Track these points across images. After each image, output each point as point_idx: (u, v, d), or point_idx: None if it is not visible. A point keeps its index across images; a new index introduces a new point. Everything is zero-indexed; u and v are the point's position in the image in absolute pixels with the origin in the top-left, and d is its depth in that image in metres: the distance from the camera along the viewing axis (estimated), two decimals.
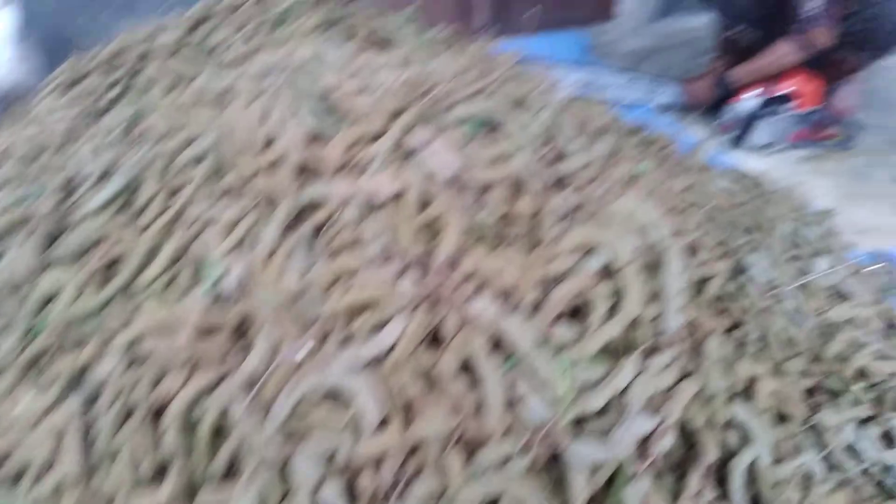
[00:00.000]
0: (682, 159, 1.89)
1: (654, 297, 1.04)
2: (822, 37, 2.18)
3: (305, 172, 1.02)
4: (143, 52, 1.49)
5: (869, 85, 2.85)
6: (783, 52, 2.25)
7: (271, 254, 0.98)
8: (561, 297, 0.95)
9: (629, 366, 0.92)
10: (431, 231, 0.97)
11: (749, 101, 2.38)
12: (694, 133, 2.50)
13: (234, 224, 1.01)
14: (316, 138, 1.04)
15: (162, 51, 1.47)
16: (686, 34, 3.14)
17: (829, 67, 2.37)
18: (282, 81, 1.12)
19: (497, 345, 0.92)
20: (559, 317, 0.95)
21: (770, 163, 2.42)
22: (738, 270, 1.36)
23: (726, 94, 2.42)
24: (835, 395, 1.26)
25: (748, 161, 2.38)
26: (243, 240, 1.00)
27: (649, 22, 3.23)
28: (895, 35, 2.25)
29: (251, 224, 1.00)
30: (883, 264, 1.93)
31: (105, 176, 1.18)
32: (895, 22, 2.22)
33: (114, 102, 1.40)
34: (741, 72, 2.35)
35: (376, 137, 1.02)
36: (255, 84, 1.15)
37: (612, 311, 0.98)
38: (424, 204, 0.97)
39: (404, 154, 1.02)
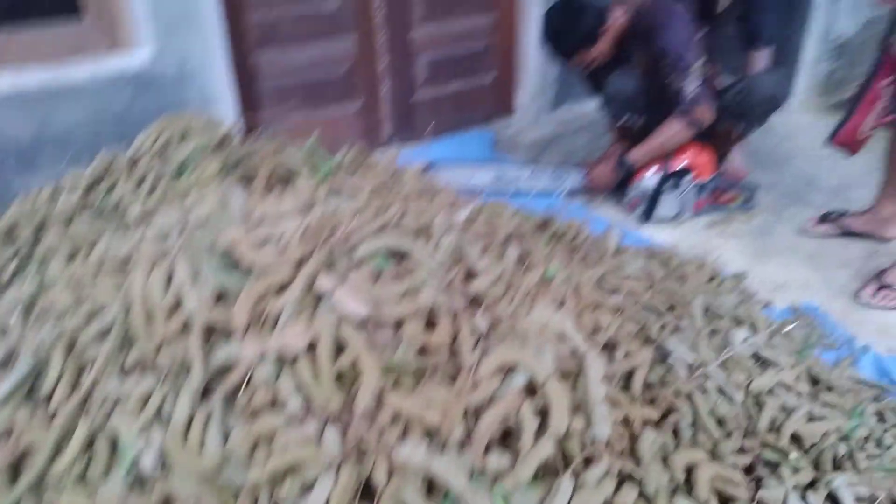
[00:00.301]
0: (595, 246, 1.94)
1: (581, 405, 1.04)
2: (706, 113, 2.36)
3: (215, 334, 1.01)
4: (41, 220, 1.46)
5: (758, 147, 3.06)
6: (674, 130, 2.40)
7: (187, 425, 0.94)
8: (488, 424, 0.94)
9: (565, 484, 0.92)
10: (349, 378, 0.96)
11: (650, 178, 2.50)
12: (603, 214, 2.60)
13: (147, 398, 0.98)
14: (222, 297, 1.03)
15: (60, 216, 1.45)
16: (583, 119, 3.31)
17: (715, 139, 2.54)
18: (183, 241, 1.11)
19: (431, 487, 0.90)
20: (490, 445, 0.94)
21: (679, 233, 2.53)
22: (662, 356, 1.39)
23: (629, 174, 2.54)
24: (774, 466, 1.28)
25: (659, 235, 2.48)
26: (157, 414, 0.97)
27: (547, 112, 3.39)
28: (766, 104, 2.45)
29: (164, 396, 0.97)
30: (800, 319, 2.01)
31: (8, 361, 1.13)
32: (763, 93, 2.42)
33: (14, 276, 1.36)
34: (639, 153, 2.48)
35: (283, 288, 1.01)
36: (157, 246, 1.14)
37: (541, 428, 0.98)
38: (339, 351, 0.96)
39: (313, 301, 1.01)
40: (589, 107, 3.27)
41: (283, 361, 0.95)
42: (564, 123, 3.38)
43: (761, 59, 2.86)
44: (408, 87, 3.09)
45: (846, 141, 2.28)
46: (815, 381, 1.59)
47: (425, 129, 3.04)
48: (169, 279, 1.07)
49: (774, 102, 2.45)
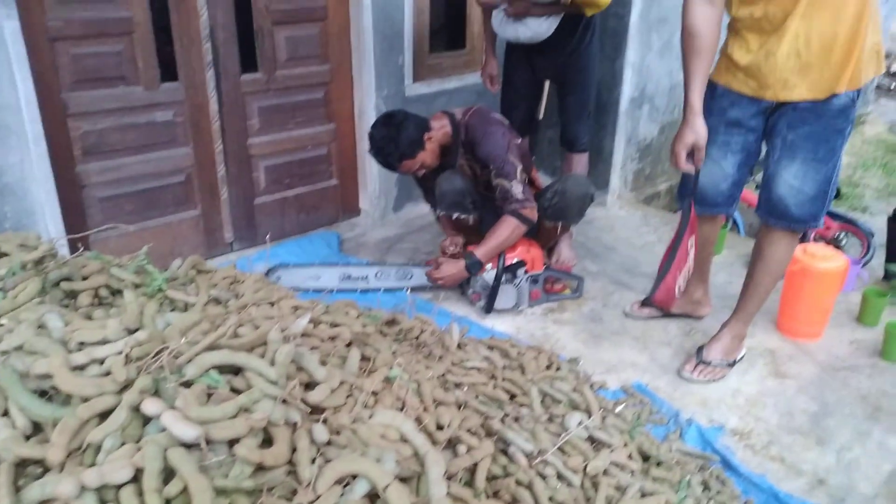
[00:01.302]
0: (439, 340, 2.00)
1: None
2: (532, 213, 2.56)
3: (29, 468, 0.93)
4: None
5: (583, 239, 3.32)
6: (511, 228, 2.57)
7: None
8: None
9: None
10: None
11: (489, 273, 2.63)
12: (448, 308, 2.69)
13: None
14: (38, 429, 0.96)
15: None
16: (424, 219, 3.44)
17: (541, 235, 2.75)
18: None
19: None
20: None
21: (519, 321, 2.66)
22: (503, 446, 1.44)
23: (472, 270, 2.66)
24: None
25: (500, 325, 2.60)
26: None
27: (391, 212, 3.50)
28: (578, 204, 2.72)
29: None
30: (630, 398, 2.15)
31: None
32: (573, 195, 2.68)
33: None
34: (484, 251, 2.60)
35: (106, 416, 0.96)
36: None
37: None
38: (168, 476, 0.92)
39: (140, 427, 0.97)
40: (428, 207, 3.42)
41: (107, 494, 0.89)
42: (408, 223, 3.50)
43: (580, 161, 3.17)
44: (248, 192, 3.09)
45: (664, 300, 2.38)
46: (645, 458, 1.71)
47: (268, 233, 3.03)
48: None
49: (586, 200, 2.71)
